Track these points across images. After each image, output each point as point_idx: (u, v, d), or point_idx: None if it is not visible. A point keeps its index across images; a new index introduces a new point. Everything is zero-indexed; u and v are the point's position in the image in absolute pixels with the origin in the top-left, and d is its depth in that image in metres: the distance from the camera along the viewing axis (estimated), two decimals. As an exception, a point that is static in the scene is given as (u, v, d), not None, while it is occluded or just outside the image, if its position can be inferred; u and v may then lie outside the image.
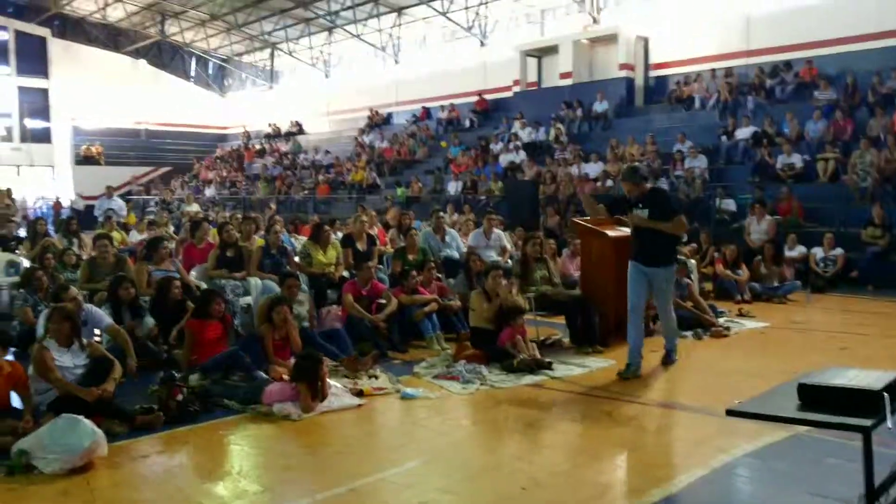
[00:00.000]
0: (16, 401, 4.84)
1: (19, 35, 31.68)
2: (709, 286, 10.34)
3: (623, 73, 20.47)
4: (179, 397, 5.11)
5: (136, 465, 4.28)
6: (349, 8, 26.55)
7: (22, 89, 31.85)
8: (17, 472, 4.04)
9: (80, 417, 4.27)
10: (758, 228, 12.06)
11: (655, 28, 20.64)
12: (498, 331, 6.66)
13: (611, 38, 20.81)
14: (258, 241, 8.85)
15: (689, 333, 7.75)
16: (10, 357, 5.06)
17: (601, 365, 6.55)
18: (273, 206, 20.54)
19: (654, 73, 21.00)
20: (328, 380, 5.54)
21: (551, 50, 22.35)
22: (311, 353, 5.54)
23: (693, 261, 9.98)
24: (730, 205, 13.88)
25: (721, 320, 8.30)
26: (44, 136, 32.34)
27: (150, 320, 6.77)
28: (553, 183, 16.88)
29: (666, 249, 6.11)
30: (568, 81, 21.54)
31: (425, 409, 5.34)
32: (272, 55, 34.38)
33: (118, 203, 16.81)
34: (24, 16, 32.09)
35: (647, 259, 6.05)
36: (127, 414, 4.86)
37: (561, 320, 7.77)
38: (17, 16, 31.92)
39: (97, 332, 5.81)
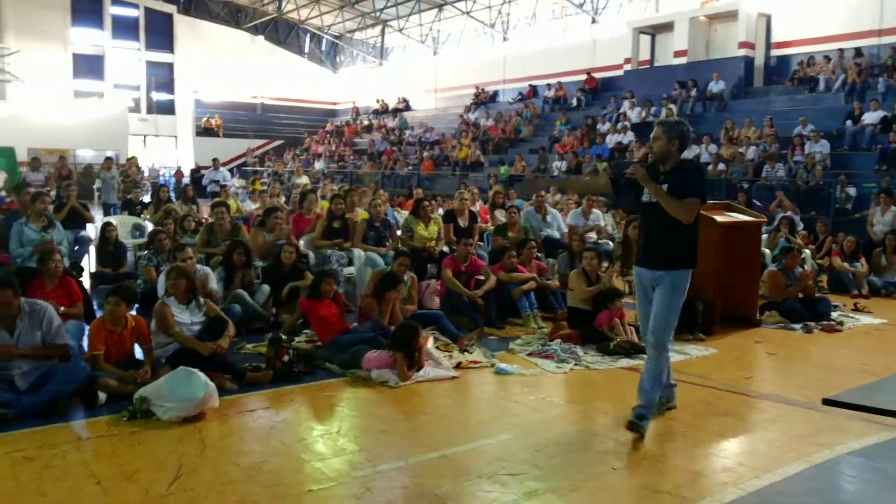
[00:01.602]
0: (139, 353, 5.24)
1: (148, 12, 33.55)
2: (824, 278, 9.85)
3: (742, 52, 19.64)
4: (285, 358, 5.38)
5: (244, 419, 4.56)
6: (460, -15, 26.62)
7: (149, 64, 33.79)
8: (137, 417, 4.40)
9: (196, 370, 4.59)
10: (881, 219, 11.36)
11: (779, 4, 19.61)
12: (595, 312, 6.62)
13: (730, 15, 19.97)
14: (362, 213, 9.11)
15: (797, 326, 7.46)
16: (133, 312, 5.46)
17: (702, 353, 6.41)
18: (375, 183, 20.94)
19: (775, 53, 20.01)
20: (429, 350, 5.69)
21: (666, 27, 21.66)
22: (408, 324, 5.69)
23: (808, 250, 9.54)
24: (852, 193, 13.12)
25: (835, 314, 7.92)
26: (168, 108, 34.26)
27: (266, 287, 7.12)
28: (661, 165, 16.41)
29: (680, 249, 4.35)
30: (682, 60, 20.84)
31: (519, 384, 5.39)
32: (382, 32, 34.93)
33: (223, 174, 17.59)
34: (153, -6, 34.01)
35: (654, 259, 4.42)
36: (238, 371, 5.18)
37: (662, 305, 7.61)
38: (148, -6, 33.84)
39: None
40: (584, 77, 24.18)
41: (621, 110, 20.37)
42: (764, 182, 14.38)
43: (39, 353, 4.61)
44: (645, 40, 22.49)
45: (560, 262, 8.38)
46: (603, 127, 20.03)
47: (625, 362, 6.03)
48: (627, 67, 22.54)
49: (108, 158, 15.31)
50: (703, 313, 7.08)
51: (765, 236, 9.86)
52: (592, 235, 9.24)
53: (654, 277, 4.40)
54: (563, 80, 24.77)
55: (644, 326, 4.59)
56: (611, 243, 9.08)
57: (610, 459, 3.95)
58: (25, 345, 4.56)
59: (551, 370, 5.77)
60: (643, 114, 19.77)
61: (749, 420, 4.81)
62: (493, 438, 4.25)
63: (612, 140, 18.95)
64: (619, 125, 19.35)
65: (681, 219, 4.20)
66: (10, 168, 17.71)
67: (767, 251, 9.64)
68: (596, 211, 9.94)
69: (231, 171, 27.35)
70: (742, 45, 19.63)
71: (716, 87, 19.15)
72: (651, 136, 4.48)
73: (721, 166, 15.27)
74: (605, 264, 7.16)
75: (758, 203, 12.80)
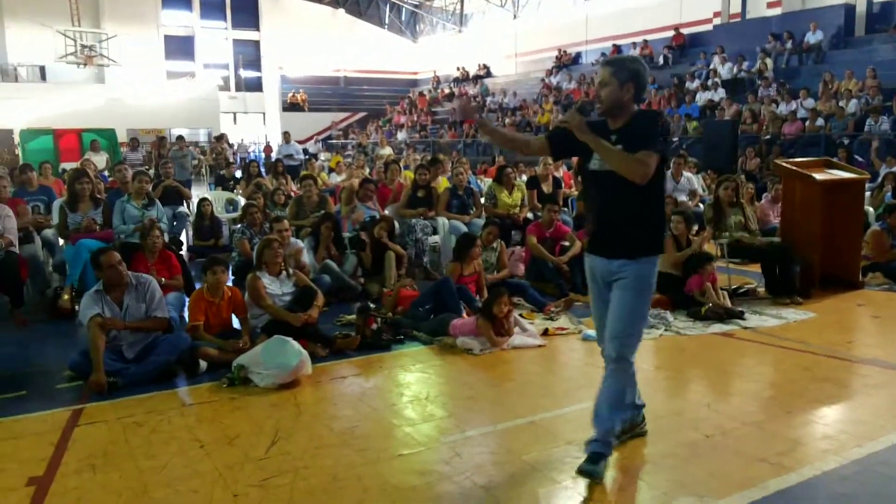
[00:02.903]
0: (235, 323, 5.46)
1: (233, -9, 34.36)
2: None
3: (841, 0, 18.41)
4: (374, 326, 5.50)
5: (336, 385, 4.70)
6: (539, -56, 25.97)
7: (237, 42, 34.67)
8: (236, 384, 4.61)
9: (289, 339, 4.76)
10: None
11: (884, -55, 18.32)
12: (685, 277, 6.45)
13: (829, -40, 18.78)
14: (443, 181, 9.13)
15: (904, 287, 7.07)
16: (230, 284, 5.67)
17: (800, 317, 6.16)
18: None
19: (879, -2, 18.73)
20: (517, 318, 5.68)
21: (758, -23, 20.59)
22: (492, 288, 5.72)
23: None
24: (965, 147, 12.24)
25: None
26: (256, 85, 35.12)
27: (353, 258, 7.29)
28: (755, 122, 15.74)
29: (643, 230, 3.34)
30: (776, 11, 19.81)
31: (607, 351, 5.33)
32: (462, -2, 34.58)
33: (295, 148, 17.78)
34: (237, -27, 34.70)
35: (610, 245, 3.38)
36: (328, 338, 5.33)
37: (756, 269, 7.36)
38: (232, -27, 34.56)
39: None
40: (670, 34, 23.29)
41: (711, 66, 19.56)
42: (866, 137, 13.57)
43: (143, 326, 4.88)
44: (736, -9, 21.48)
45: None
46: (692, 84, 19.29)
47: (717, 328, 5.87)
48: (717, 21, 21.61)
49: (180, 137, 15.73)
50: (800, 275, 6.81)
51: (868, 194, 9.32)
52: (683, 198, 8.97)
53: (610, 269, 3.37)
54: (649, 37, 23.92)
55: (601, 332, 3.54)
56: (701, 206, 8.79)
57: (703, 426, 3.86)
58: (132, 317, 4.84)
59: (640, 336, 5.67)
60: (735, 70, 18.92)
61: (850, 386, 4.61)
62: (580, 405, 4.21)
63: (702, 98, 18.26)
64: (710, 82, 18.61)
65: (633, 178, 3.14)
66: (112, 149, 18.62)
67: (871, 209, 9.12)
68: (687, 174, 9.62)
69: (320, 143, 27.83)
70: (842, -9, 18.49)
71: (813, 38, 18.10)
72: (598, 81, 3.40)
73: (819, 122, 14.50)
74: (695, 227, 6.94)
75: (860, 159, 12.10)
